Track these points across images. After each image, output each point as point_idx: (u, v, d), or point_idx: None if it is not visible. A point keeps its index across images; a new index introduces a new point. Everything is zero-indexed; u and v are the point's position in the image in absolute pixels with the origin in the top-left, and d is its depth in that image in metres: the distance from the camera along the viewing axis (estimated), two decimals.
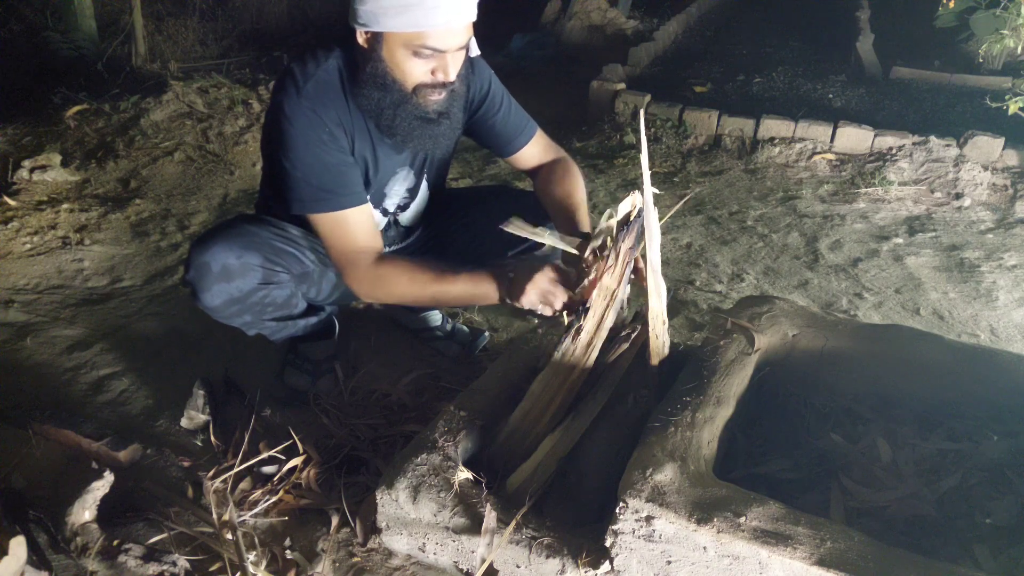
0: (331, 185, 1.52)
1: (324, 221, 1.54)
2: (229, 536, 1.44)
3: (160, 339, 2.18)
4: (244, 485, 1.61)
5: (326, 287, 1.81)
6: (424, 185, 1.80)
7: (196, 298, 1.61)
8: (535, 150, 1.80)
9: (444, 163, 1.84)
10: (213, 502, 1.51)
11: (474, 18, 1.44)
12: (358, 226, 1.55)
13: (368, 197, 1.68)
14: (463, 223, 1.86)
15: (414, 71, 1.45)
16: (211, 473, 1.62)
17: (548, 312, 1.47)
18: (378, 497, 1.40)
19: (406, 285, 1.54)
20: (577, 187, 1.74)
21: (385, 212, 1.77)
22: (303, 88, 1.49)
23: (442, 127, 1.54)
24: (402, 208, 1.79)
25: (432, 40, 1.40)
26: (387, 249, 1.86)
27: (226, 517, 1.46)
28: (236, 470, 1.62)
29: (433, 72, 1.46)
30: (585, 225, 1.65)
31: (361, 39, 1.46)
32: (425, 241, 1.92)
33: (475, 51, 1.58)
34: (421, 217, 1.86)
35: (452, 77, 1.46)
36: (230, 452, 1.70)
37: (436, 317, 2.16)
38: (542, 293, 1.45)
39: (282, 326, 1.76)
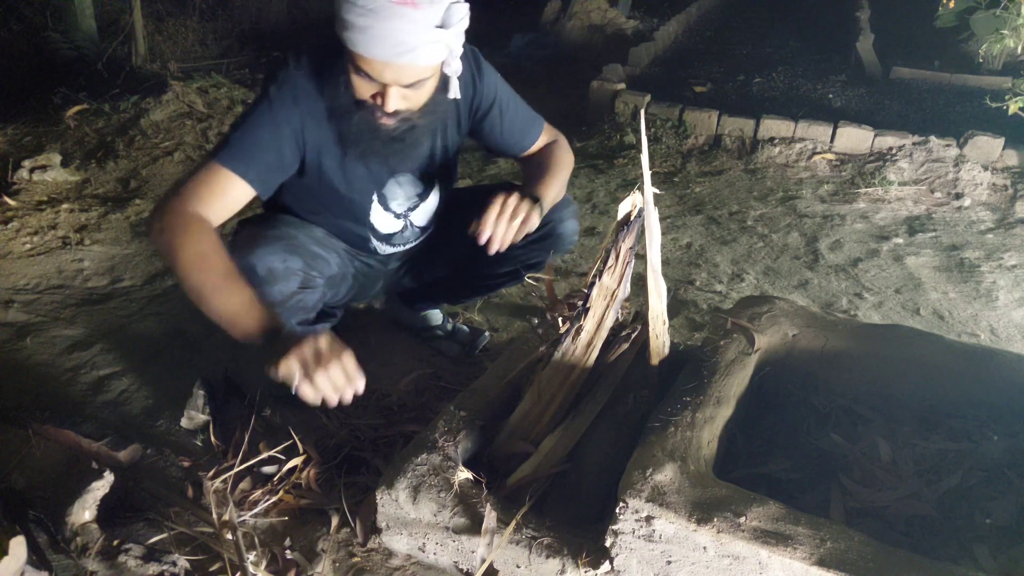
0: (240, 145, 1.49)
1: (206, 166, 1.48)
2: (229, 536, 1.44)
3: (160, 339, 2.18)
4: (244, 485, 1.61)
5: (344, 289, 1.82)
6: (435, 188, 1.80)
7: None
8: (540, 145, 1.81)
9: (449, 167, 1.83)
10: (213, 502, 1.51)
11: (434, 63, 1.42)
12: (222, 189, 1.47)
13: (357, 200, 1.67)
14: (468, 219, 1.85)
15: (357, 88, 1.45)
16: (211, 473, 1.62)
17: (308, 395, 1.21)
18: (378, 497, 1.40)
19: (193, 253, 1.36)
20: (552, 155, 1.74)
21: (397, 215, 1.77)
22: (292, 73, 1.50)
23: (394, 148, 1.53)
24: (412, 209, 1.79)
25: (366, 67, 1.39)
26: (403, 248, 1.85)
27: (226, 517, 1.46)
28: (236, 470, 1.62)
29: (373, 97, 1.45)
30: (543, 189, 1.61)
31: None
32: (434, 238, 1.92)
33: (456, 71, 1.53)
34: (433, 216, 1.86)
35: (389, 109, 1.44)
36: (230, 452, 1.70)
37: (437, 316, 2.16)
38: (300, 362, 1.21)
39: (302, 330, 1.77)
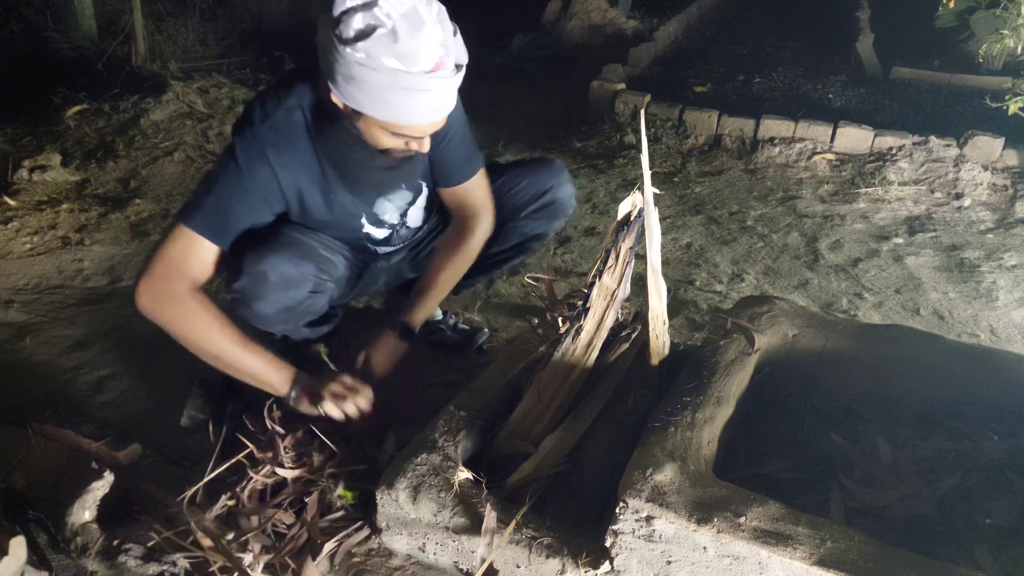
0: (215, 212, 1.49)
1: (181, 233, 1.49)
2: (210, 543, 1.42)
3: (160, 339, 2.14)
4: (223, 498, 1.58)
5: (347, 288, 1.82)
6: (424, 185, 1.79)
7: (246, 306, 1.58)
8: (457, 197, 1.77)
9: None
10: (191, 519, 1.48)
11: (453, 106, 1.46)
12: (201, 258, 1.51)
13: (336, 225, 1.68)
14: None
15: (388, 143, 1.47)
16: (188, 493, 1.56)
17: (336, 415, 1.56)
18: (378, 497, 1.40)
19: (205, 327, 1.50)
20: (445, 270, 1.77)
21: (390, 225, 1.77)
22: (257, 129, 1.49)
23: (393, 174, 1.58)
24: (404, 214, 1.78)
25: (411, 131, 1.43)
26: (402, 244, 1.86)
27: (200, 536, 1.43)
28: (208, 478, 1.58)
29: (407, 143, 1.48)
30: (418, 311, 1.75)
31: (337, 102, 1.42)
32: (433, 226, 1.91)
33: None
34: (426, 210, 1.86)
35: (426, 149, 1.50)
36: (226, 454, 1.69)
37: (438, 312, 2.16)
38: (334, 397, 1.56)
39: (310, 331, 1.77)
